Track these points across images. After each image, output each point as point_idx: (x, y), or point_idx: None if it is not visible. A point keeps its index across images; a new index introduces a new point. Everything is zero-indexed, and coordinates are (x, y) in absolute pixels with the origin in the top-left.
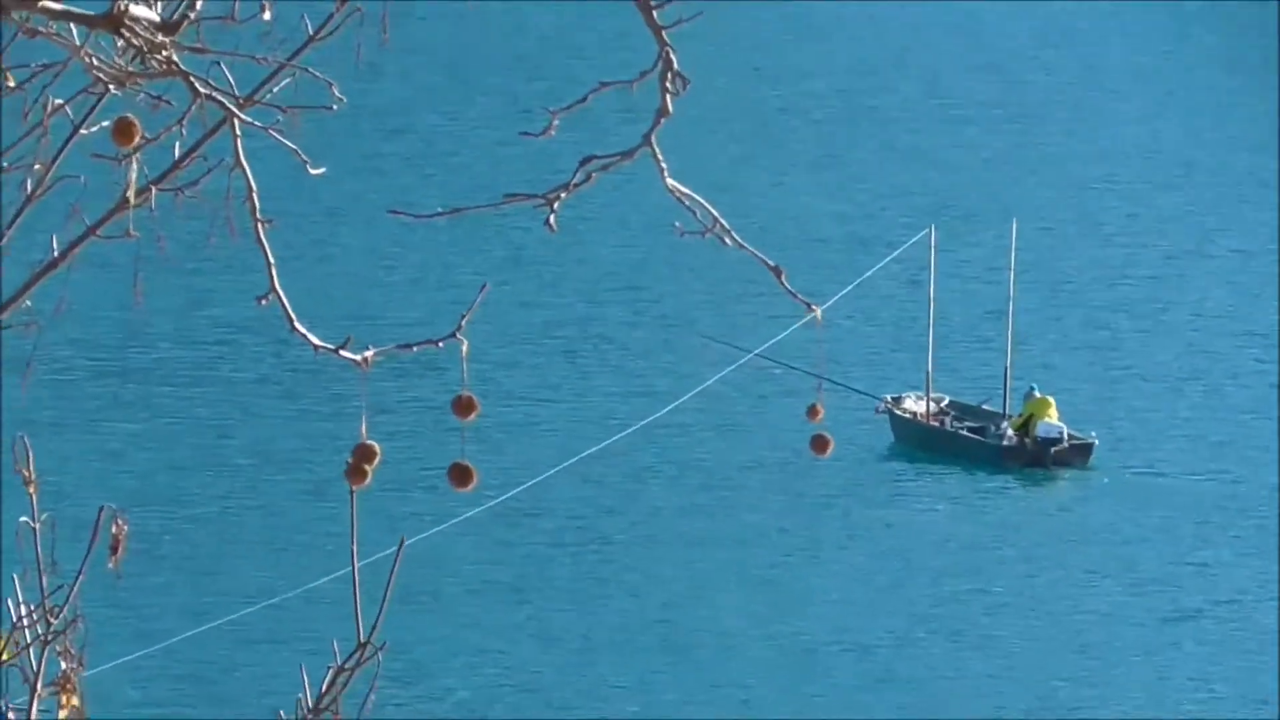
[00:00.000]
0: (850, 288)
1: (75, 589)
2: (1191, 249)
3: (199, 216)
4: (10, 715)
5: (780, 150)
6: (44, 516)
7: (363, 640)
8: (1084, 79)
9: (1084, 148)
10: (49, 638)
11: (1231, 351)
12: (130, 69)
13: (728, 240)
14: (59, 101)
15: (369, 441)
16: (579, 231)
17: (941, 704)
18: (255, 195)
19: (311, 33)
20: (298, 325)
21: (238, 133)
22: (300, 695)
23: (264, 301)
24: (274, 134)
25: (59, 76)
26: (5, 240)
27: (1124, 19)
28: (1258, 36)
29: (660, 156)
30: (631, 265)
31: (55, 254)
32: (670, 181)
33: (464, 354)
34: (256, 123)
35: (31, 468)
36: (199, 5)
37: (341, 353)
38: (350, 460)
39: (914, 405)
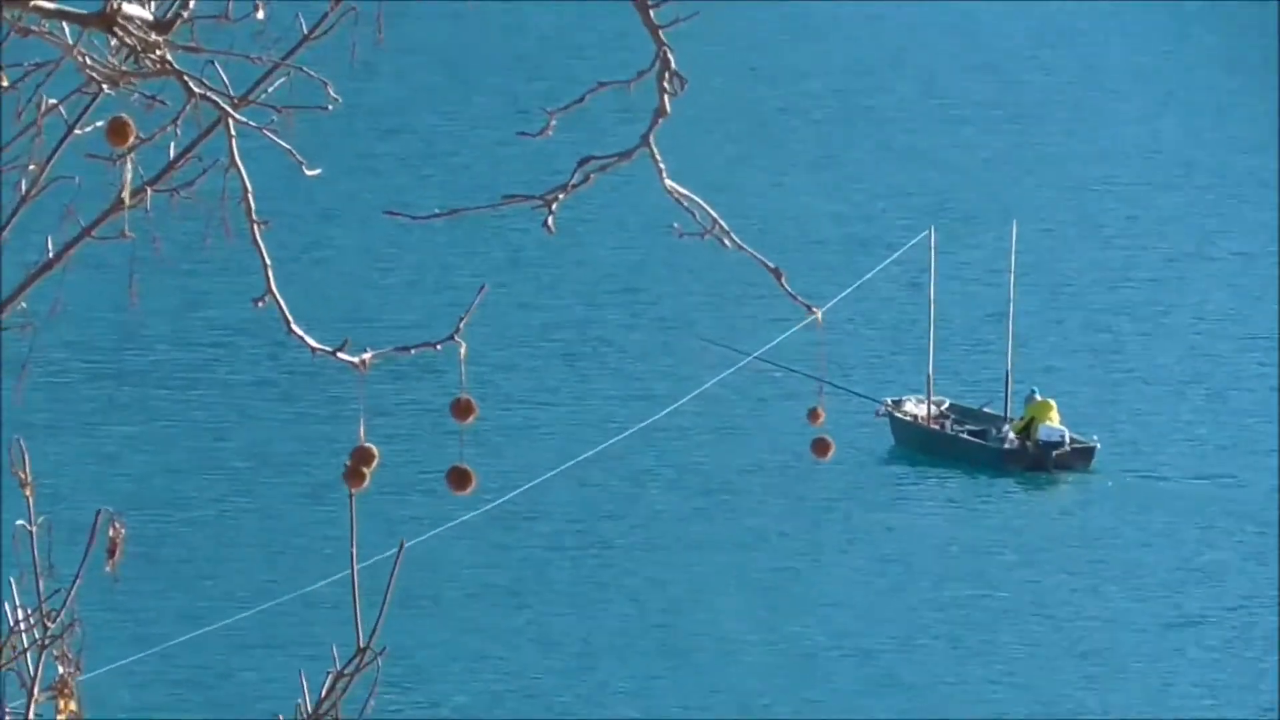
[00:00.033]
0: (850, 290)
1: (72, 593)
2: (1192, 251)
3: (194, 217)
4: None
5: (778, 150)
6: (40, 520)
7: (362, 645)
8: (1083, 79)
9: (1083, 148)
10: (46, 641)
11: (1233, 354)
12: (124, 68)
13: (727, 242)
14: (53, 101)
15: (367, 444)
16: (577, 233)
17: (943, 708)
18: (251, 196)
19: (306, 32)
20: (295, 327)
21: (233, 133)
22: (299, 700)
23: (261, 303)
24: (269, 134)
25: (52, 76)
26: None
27: (1124, 19)
28: (1258, 36)
29: (658, 157)
30: (630, 267)
31: (50, 255)
32: (669, 182)
33: (462, 356)
34: (251, 123)
35: (28, 470)
36: (192, 4)
37: (339, 355)
38: (348, 463)
39: (915, 408)
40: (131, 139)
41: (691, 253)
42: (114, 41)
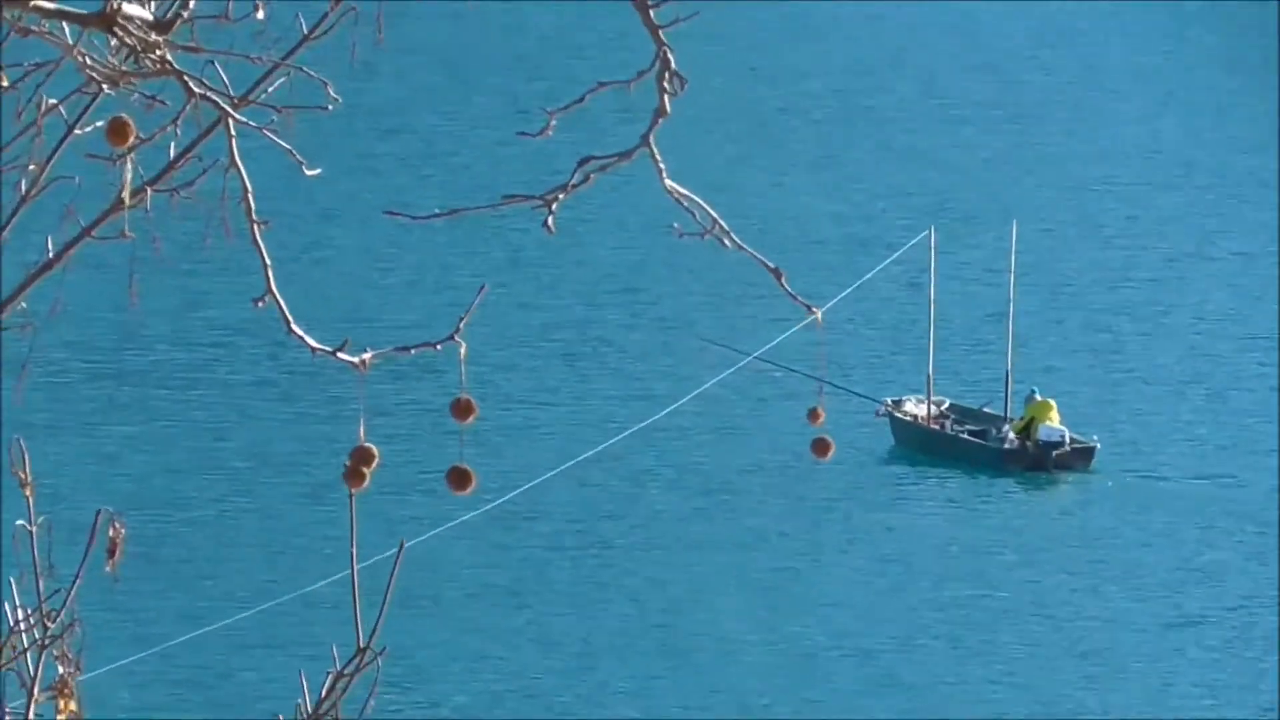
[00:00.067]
0: (850, 290)
1: (72, 593)
2: (1192, 251)
3: (194, 217)
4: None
5: (778, 150)
6: (40, 520)
7: (362, 645)
8: (1083, 79)
9: (1083, 148)
10: (46, 642)
11: (1233, 354)
12: (124, 68)
13: (727, 241)
14: (53, 101)
15: (367, 444)
16: (577, 233)
17: (943, 708)
18: (251, 196)
19: (306, 32)
20: (295, 327)
21: (233, 133)
22: (299, 700)
23: (261, 303)
24: (269, 134)
25: (52, 76)
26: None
27: (1124, 19)
28: (1258, 36)
29: (658, 157)
30: (630, 267)
31: (50, 255)
32: (669, 182)
33: (462, 356)
34: (251, 123)
35: (28, 471)
36: (192, 4)
37: (339, 355)
38: (348, 463)
39: (915, 408)
40: (131, 139)
41: (691, 253)
42: (114, 41)
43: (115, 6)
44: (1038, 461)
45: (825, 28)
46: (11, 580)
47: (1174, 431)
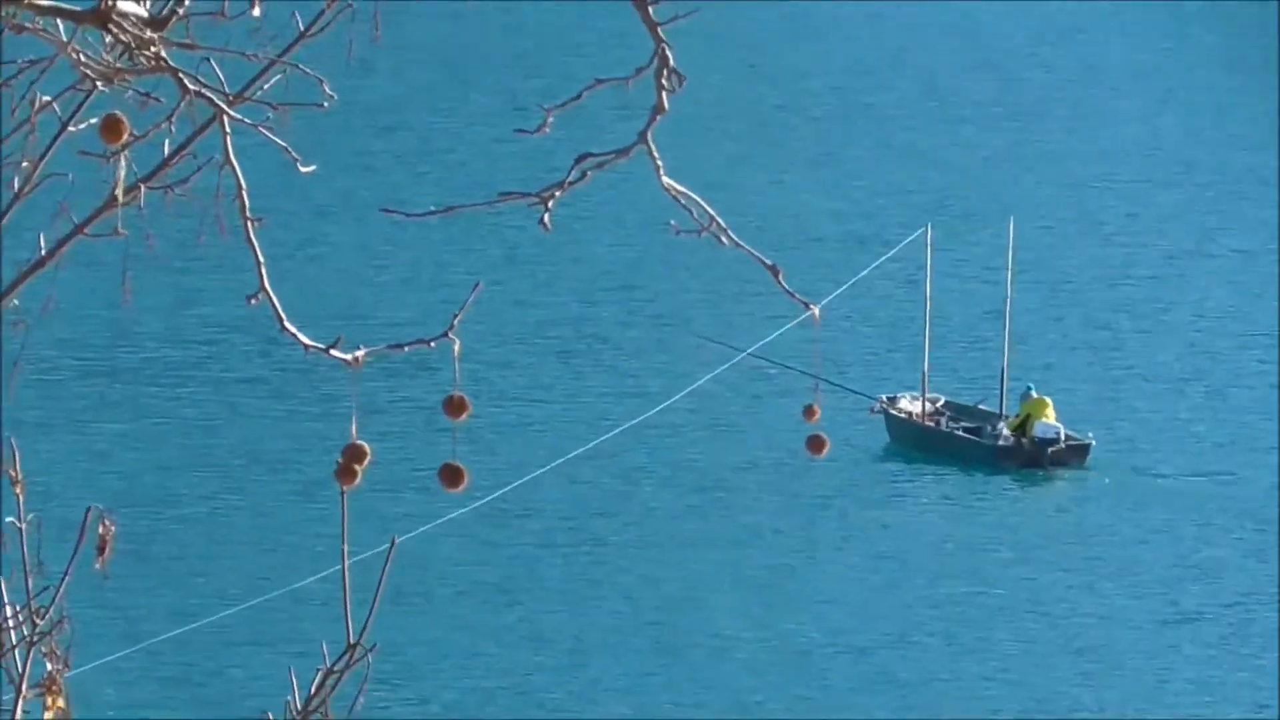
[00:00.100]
0: (846, 287)
1: (61, 590)
2: (1192, 248)
3: (188, 214)
4: None
5: (777, 149)
6: (30, 517)
7: (352, 641)
8: (1083, 77)
9: (1083, 146)
10: (35, 639)
11: (1232, 352)
12: (118, 65)
13: (724, 239)
14: (46, 98)
15: (359, 441)
16: (574, 230)
17: (938, 706)
18: (245, 193)
19: (302, 29)
20: (288, 324)
21: (227, 130)
22: (289, 697)
23: (254, 300)
24: (264, 131)
25: (46, 73)
26: None
27: (1123, 18)
28: (1258, 36)
29: (656, 154)
30: (626, 264)
31: (43, 252)
32: (666, 180)
33: (456, 354)
34: (246, 120)
35: (18, 468)
36: (187, 1)
37: (332, 352)
38: (340, 460)
39: (909, 405)
40: (125, 136)
41: (689, 250)
42: (108, 38)
43: (110, 3)
44: (1033, 458)
45: (825, 26)
46: (1, 578)
47: (1173, 429)
